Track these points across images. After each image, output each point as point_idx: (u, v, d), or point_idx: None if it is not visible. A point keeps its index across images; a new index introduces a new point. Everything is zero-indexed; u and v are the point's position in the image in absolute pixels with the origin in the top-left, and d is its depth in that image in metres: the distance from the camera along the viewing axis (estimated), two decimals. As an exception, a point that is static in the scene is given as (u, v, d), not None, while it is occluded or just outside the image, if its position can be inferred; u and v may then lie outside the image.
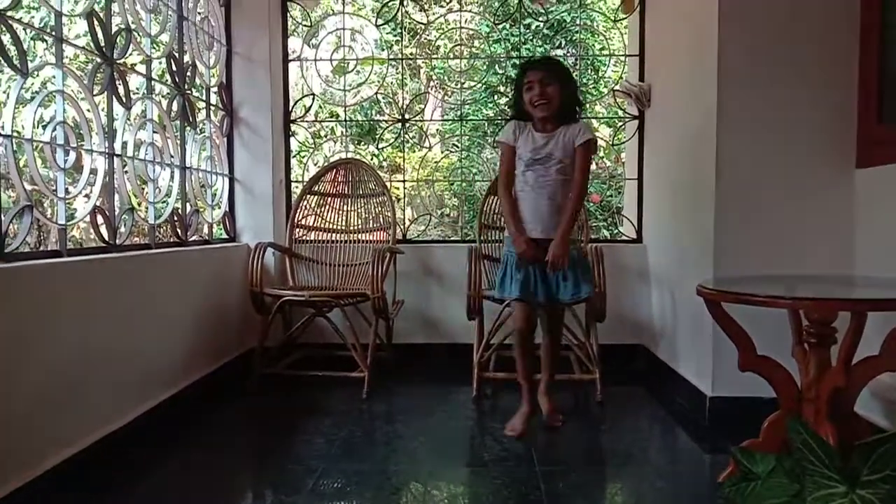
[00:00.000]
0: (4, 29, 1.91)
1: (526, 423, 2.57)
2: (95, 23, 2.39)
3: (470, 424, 2.77)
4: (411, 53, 5.28)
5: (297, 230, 3.67)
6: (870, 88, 2.49)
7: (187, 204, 3.14)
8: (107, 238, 2.45)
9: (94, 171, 2.39)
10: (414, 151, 5.54)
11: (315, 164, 5.01)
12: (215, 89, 3.52)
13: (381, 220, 3.71)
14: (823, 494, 1.16)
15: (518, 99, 2.59)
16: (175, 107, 3.05)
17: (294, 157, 3.99)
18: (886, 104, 2.43)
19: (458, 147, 5.70)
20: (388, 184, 3.78)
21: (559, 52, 6.84)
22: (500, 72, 6.72)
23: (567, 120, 2.56)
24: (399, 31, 4.20)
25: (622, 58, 4.05)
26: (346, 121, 4.44)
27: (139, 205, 2.78)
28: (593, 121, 5.91)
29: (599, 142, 5.64)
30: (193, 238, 3.21)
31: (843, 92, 2.56)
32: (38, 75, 4.61)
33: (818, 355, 1.89)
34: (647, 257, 3.66)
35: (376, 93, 4.75)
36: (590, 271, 2.67)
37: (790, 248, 2.58)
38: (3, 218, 1.90)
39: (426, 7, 4.59)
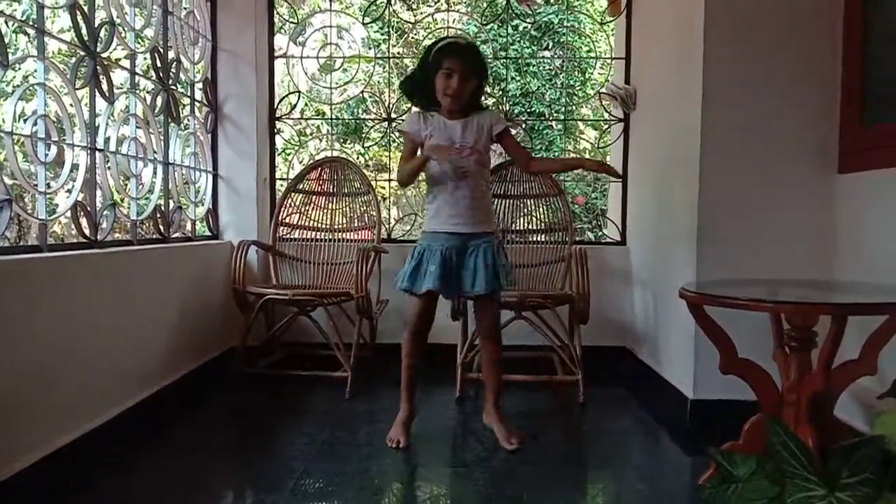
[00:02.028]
0: (-15, 20, 1.89)
1: (407, 430, 2.48)
2: (78, 15, 2.36)
3: (453, 425, 2.77)
4: (398, 52, 5.27)
5: (281, 228, 3.64)
6: (852, 95, 2.51)
7: (170, 200, 3.11)
8: (88, 234, 2.42)
9: (75, 167, 2.37)
10: (400, 151, 5.54)
11: (300, 162, 4.99)
12: (200, 85, 3.49)
13: (366, 219, 3.69)
14: (803, 497, 1.17)
15: (425, 77, 2.41)
16: (159, 102, 3.02)
17: (279, 154, 3.97)
18: (868, 111, 2.45)
19: (444, 147, 5.69)
20: (373, 183, 3.77)
21: (546, 53, 6.86)
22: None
23: (473, 109, 2.46)
24: (386, 29, 4.19)
25: (608, 60, 4.07)
26: (332, 119, 4.41)
27: (121, 201, 2.76)
28: (579, 123, 5.95)
29: (584, 144, 5.65)
30: (176, 235, 3.19)
31: (826, 98, 2.59)
32: (19, 68, 4.55)
33: (799, 359, 1.91)
34: (630, 260, 3.68)
35: (363, 91, 4.73)
36: (507, 266, 2.48)
37: (772, 252, 2.60)
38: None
39: (414, 6, 4.59)
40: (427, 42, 5.93)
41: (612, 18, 3.90)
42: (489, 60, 5.68)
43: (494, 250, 2.44)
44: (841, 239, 2.55)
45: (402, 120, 4.17)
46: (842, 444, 1.23)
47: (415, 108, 2.53)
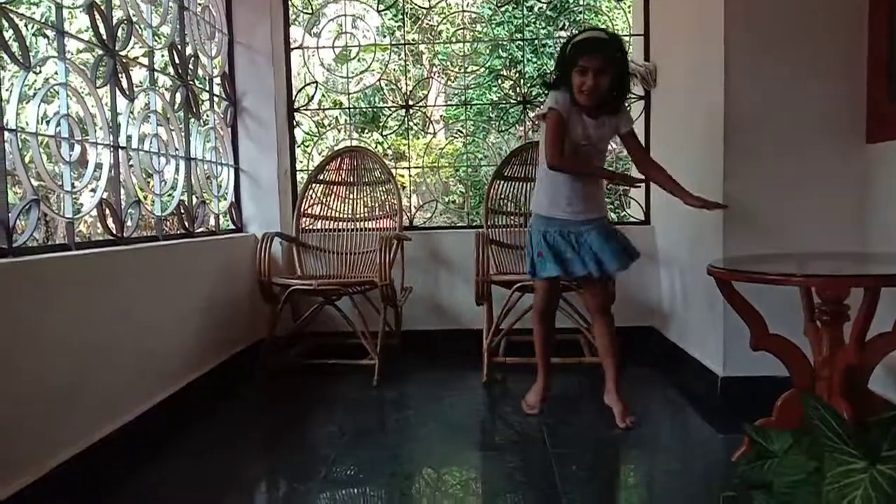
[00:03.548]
0: (6, 24, 1.91)
1: (541, 398, 2.60)
2: (96, 15, 2.37)
3: (481, 409, 2.78)
4: (413, 39, 5.25)
5: (304, 219, 3.66)
6: (880, 63, 2.46)
7: (193, 195, 3.14)
8: (114, 231, 2.45)
9: (99, 166, 2.39)
10: (418, 138, 5.53)
11: (319, 154, 5.00)
12: (218, 79, 3.50)
13: (387, 207, 3.70)
14: (843, 471, 1.15)
15: (565, 74, 2.38)
16: (178, 98, 3.04)
17: (298, 146, 3.98)
18: (896, 79, 2.40)
19: (462, 132, 5.68)
20: (393, 171, 3.76)
21: (563, 33, 6.79)
22: (504, 55, 6.67)
23: (610, 108, 2.43)
24: (400, 16, 4.17)
25: (627, 38, 4.02)
26: (349, 108, 4.42)
27: (145, 198, 2.79)
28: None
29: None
30: (200, 230, 3.21)
31: (852, 67, 2.53)
32: (40, 71, 4.61)
33: (831, 333, 1.88)
34: (655, 239, 3.64)
35: (379, 80, 4.72)
36: (626, 242, 2.56)
37: (800, 225, 2.56)
38: (10, 213, 1.91)
39: (427, -8, 4.56)
40: (443, 28, 5.90)
41: (628, -5, 3.84)
42: (503, 43, 5.63)
43: (608, 231, 2.50)
44: (871, 209, 2.50)
45: (419, 107, 4.16)
46: (881, 416, 1.21)
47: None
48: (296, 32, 4.01)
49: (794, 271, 1.82)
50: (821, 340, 1.91)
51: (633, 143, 2.55)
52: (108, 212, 2.42)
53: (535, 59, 7.19)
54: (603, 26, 5.80)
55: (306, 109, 4.01)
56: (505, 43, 6.79)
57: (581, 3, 5.38)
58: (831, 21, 2.53)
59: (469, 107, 4.99)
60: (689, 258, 3.10)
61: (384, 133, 5.39)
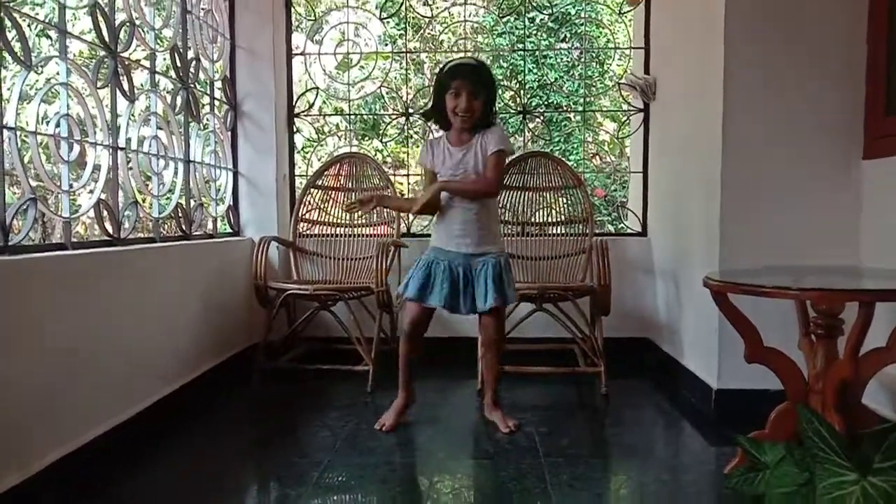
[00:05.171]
0: (9, 23, 1.91)
1: (398, 417, 2.58)
2: (99, 16, 2.38)
3: (475, 417, 2.77)
4: (415, 48, 5.27)
5: (301, 224, 3.66)
6: (878, 80, 2.47)
7: (191, 199, 3.14)
8: (111, 232, 2.45)
9: (97, 167, 2.39)
10: (418, 146, 5.53)
11: (319, 159, 5.00)
12: (219, 83, 3.51)
13: (385, 214, 3.70)
14: (834, 482, 1.15)
15: (439, 100, 2.50)
16: (179, 101, 3.04)
17: (298, 152, 3.99)
18: (894, 96, 2.41)
19: (462, 141, 5.64)
20: (391, 178, 3.77)
21: (563, 45, 6.83)
22: (505, 65, 6.70)
23: (482, 126, 2.51)
24: (403, 25, 4.18)
25: (627, 51, 4.04)
26: (350, 115, 4.43)
27: (143, 200, 2.79)
28: (598, 114, 5.91)
29: (604, 136, 5.60)
30: (197, 233, 3.21)
31: (851, 83, 2.54)
32: (41, 71, 4.62)
33: (825, 347, 1.88)
34: (651, 251, 3.65)
35: (380, 87, 4.74)
36: (511, 282, 2.54)
37: (796, 239, 2.57)
38: (6, 212, 1.91)
39: (430, 1, 4.58)
40: (445, 37, 5.93)
41: (630, 8, 3.86)
42: (504, 53, 5.65)
43: (500, 266, 2.49)
44: (866, 225, 2.51)
45: (419, 115, 4.18)
46: (873, 429, 1.21)
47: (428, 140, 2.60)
48: (298, 39, 4.03)
49: (790, 285, 1.82)
50: (815, 354, 1.91)
51: (489, 161, 2.47)
52: (105, 213, 2.43)
53: (535, 70, 7.22)
54: (605, 39, 5.83)
55: (307, 115, 4.01)
56: (506, 53, 6.82)
57: (583, 15, 5.40)
58: (832, 37, 2.54)
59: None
60: (684, 270, 3.11)
61: (384, 140, 5.38)
